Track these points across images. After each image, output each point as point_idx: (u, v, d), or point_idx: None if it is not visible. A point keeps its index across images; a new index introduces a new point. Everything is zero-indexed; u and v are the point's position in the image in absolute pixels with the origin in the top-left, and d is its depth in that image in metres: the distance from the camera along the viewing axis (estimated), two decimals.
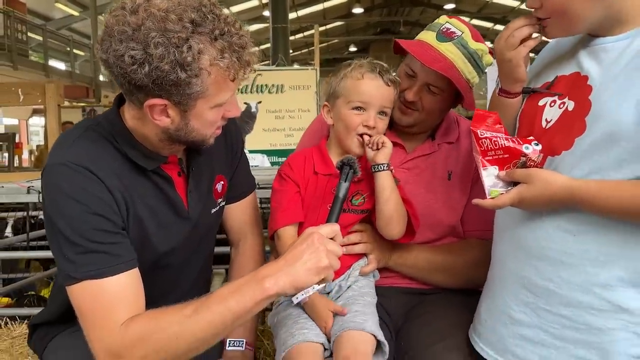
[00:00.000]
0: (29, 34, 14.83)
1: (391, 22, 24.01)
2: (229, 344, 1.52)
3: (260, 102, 6.57)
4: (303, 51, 26.64)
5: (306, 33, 22.13)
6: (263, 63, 11.40)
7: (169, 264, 1.44)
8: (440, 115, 1.72)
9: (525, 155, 1.17)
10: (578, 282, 1.16)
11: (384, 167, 1.45)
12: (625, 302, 1.13)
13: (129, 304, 1.21)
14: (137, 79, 1.14)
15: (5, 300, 3.53)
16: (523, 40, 1.27)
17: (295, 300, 1.31)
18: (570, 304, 1.17)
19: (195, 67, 1.14)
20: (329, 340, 1.40)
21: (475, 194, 1.26)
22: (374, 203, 1.50)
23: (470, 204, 1.51)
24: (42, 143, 13.25)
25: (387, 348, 1.39)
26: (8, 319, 2.33)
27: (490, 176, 1.20)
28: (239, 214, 1.67)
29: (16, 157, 10.58)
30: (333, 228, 1.24)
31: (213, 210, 1.53)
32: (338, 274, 1.48)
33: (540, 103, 1.29)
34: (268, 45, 12.85)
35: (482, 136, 1.20)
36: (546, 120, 1.25)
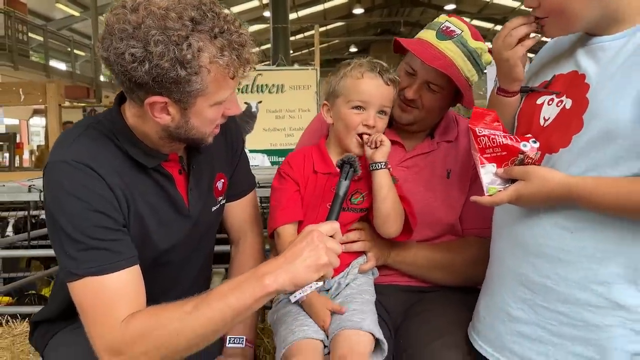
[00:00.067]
0: (30, 35, 14.84)
1: (392, 23, 24.01)
2: (229, 340, 1.52)
3: (260, 101, 6.57)
4: (303, 51, 26.64)
5: (307, 33, 22.14)
6: (263, 63, 11.41)
7: (169, 262, 1.45)
8: (440, 114, 1.73)
9: (523, 152, 1.17)
10: (575, 279, 1.17)
11: (381, 165, 1.46)
12: (622, 299, 1.13)
13: (129, 301, 1.22)
14: (137, 76, 1.15)
15: (6, 299, 3.54)
16: (520, 40, 1.28)
17: (293, 298, 1.31)
18: (567, 300, 1.18)
19: (195, 65, 1.15)
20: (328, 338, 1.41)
21: (474, 192, 1.27)
22: (372, 201, 1.51)
23: (469, 202, 1.52)
24: (42, 143, 13.26)
25: (385, 346, 1.39)
26: (9, 317, 2.33)
27: (488, 173, 1.21)
28: (239, 212, 1.68)
29: (17, 157, 10.59)
30: (333, 226, 1.25)
31: (213, 208, 1.54)
32: (337, 271, 1.49)
33: (539, 102, 1.30)
34: (268, 45, 12.86)
35: (480, 134, 1.20)
36: (544, 118, 1.26)
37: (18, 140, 11.84)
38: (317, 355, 1.36)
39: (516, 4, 18.51)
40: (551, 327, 1.21)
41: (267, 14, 14.09)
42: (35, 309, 2.05)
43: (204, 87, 1.19)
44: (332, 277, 1.40)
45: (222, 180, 1.56)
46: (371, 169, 1.47)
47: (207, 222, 1.53)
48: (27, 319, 2.25)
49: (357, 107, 1.50)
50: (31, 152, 13.30)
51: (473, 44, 1.60)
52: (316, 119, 1.89)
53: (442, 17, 1.67)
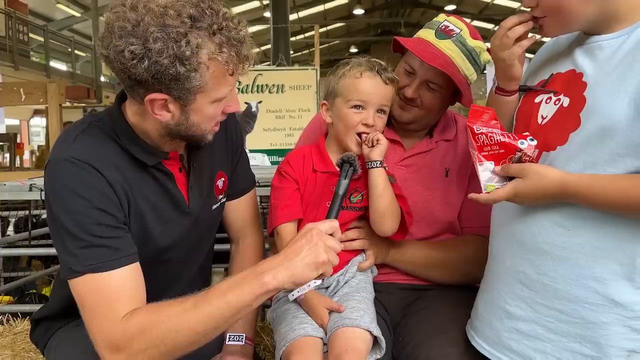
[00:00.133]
0: (31, 35, 14.85)
1: (392, 24, 24.00)
2: (229, 338, 1.53)
3: (260, 102, 6.59)
4: (304, 52, 26.65)
5: (307, 34, 22.14)
6: (264, 64, 11.41)
7: (169, 259, 1.46)
8: (440, 112, 1.73)
9: (520, 150, 1.18)
10: (573, 277, 1.17)
11: (377, 164, 1.47)
12: (619, 297, 1.14)
13: (129, 298, 1.23)
14: (137, 73, 1.16)
15: (7, 298, 3.55)
16: (517, 40, 1.28)
17: (291, 297, 1.32)
18: (565, 298, 1.18)
19: (194, 62, 1.16)
20: None
21: (473, 190, 1.27)
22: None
23: (468, 201, 1.53)
24: (43, 143, 13.27)
25: (383, 343, 1.39)
26: (10, 316, 2.34)
27: (486, 171, 1.21)
28: (239, 211, 1.68)
29: (17, 158, 10.59)
30: (332, 224, 1.25)
31: (214, 207, 1.54)
32: (336, 269, 1.49)
33: (537, 100, 1.31)
34: (269, 46, 12.85)
35: (478, 132, 1.21)
36: (542, 116, 1.27)
37: (18, 140, 11.82)
38: (317, 352, 1.36)
39: (516, 5, 18.50)
40: (548, 324, 1.21)
41: (267, 14, 14.09)
42: (36, 307, 2.06)
43: (203, 83, 1.20)
44: (331, 275, 1.40)
45: (223, 179, 1.57)
46: (367, 167, 1.48)
47: (208, 220, 1.54)
48: (27, 318, 2.25)
49: (356, 107, 1.51)
50: (31, 153, 13.30)
51: (472, 42, 1.61)
52: (315, 119, 1.90)
53: (441, 17, 1.68)
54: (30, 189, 2.59)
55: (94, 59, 17.29)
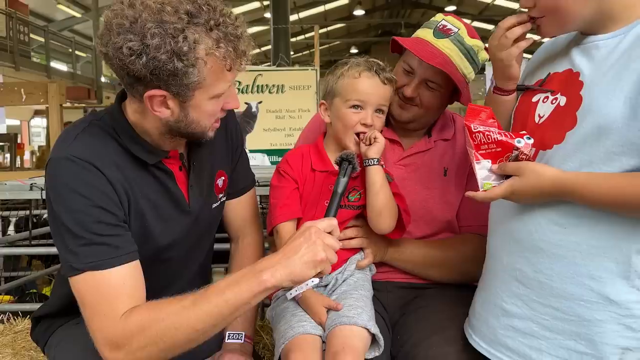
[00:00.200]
0: (31, 36, 14.87)
1: (392, 24, 24.01)
2: (229, 336, 1.53)
3: (260, 102, 6.59)
4: (304, 53, 26.66)
5: (307, 35, 22.16)
6: (264, 64, 11.41)
7: (169, 258, 1.47)
8: (439, 111, 1.74)
9: (517, 148, 1.18)
10: (569, 274, 1.18)
11: (373, 161, 1.48)
12: (614, 295, 1.14)
13: (129, 295, 1.23)
14: (135, 70, 1.17)
15: (7, 298, 3.56)
16: (515, 41, 1.29)
17: (289, 295, 1.33)
18: (560, 295, 1.19)
19: (191, 57, 1.17)
20: None
21: (470, 189, 1.28)
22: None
23: (466, 200, 1.54)
24: (43, 144, 13.28)
25: (381, 341, 1.40)
26: (10, 315, 2.35)
27: (483, 169, 1.22)
28: (238, 210, 1.69)
29: (18, 158, 10.60)
30: (330, 222, 1.26)
31: (214, 206, 1.55)
32: (335, 267, 1.50)
33: (534, 99, 1.31)
34: (269, 47, 12.87)
35: (475, 130, 1.22)
36: (539, 115, 1.28)
37: (19, 140, 11.84)
38: (316, 350, 1.37)
39: (516, 6, 18.50)
40: (544, 322, 1.22)
41: (268, 15, 14.11)
42: (37, 306, 2.07)
43: (201, 79, 1.21)
44: (329, 273, 1.41)
45: (223, 178, 1.57)
46: (365, 165, 1.49)
47: (208, 219, 1.54)
48: (28, 317, 2.26)
49: (355, 106, 1.52)
50: (32, 153, 13.31)
51: (470, 41, 1.62)
52: (315, 118, 1.91)
53: (439, 16, 1.69)
54: (31, 189, 2.60)
55: (94, 59, 17.31)
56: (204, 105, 1.27)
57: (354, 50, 25.74)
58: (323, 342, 1.40)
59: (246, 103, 6.44)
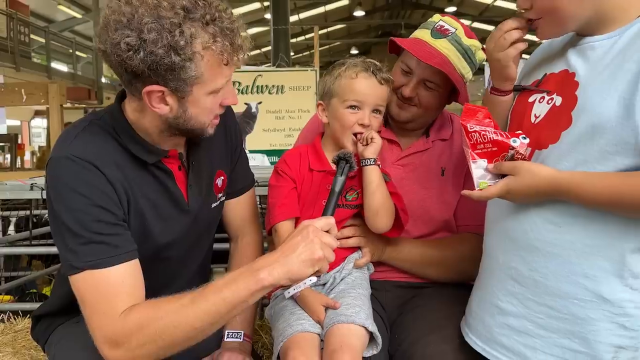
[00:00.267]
0: (32, 36, 14.88)
1: (392, 25, 24.01)
2: (228, 335, 1.54)
3: (260, 102, 6.59)
4: (305, 53, 26.67)
5: (307, 35, 22.17)
6: (264, 65, 11.42)
7: (169, 257, 1.47)
8: (437, 111, 1.75)
9: (513, 148, 1.19)
10: (563, 273, 1.18)
11: (370, 161, 1.49)
12: (608, 293, 1.15)
13: (128, 294, 1.24)
14: (133, 65, 1.18)
15: (7, 298, 3.56)
16: (513, 43, 1.30)
17: (287, 294, 1.33)
18: (555, 294, 1.20)
19: (188, 51, 1.18)
20: None
21: (468, 188, 1.29)
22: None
23: (464, 200, 1.55)
24: (43, 144, 13.29)
25: (379, 339, 1.41)
26: (11, 314, 2.36)
27: (479, 168, 1.23)
28: (238, 210, 1.70)
29: (18, 158, 10.61)
30: (328, 221, 1.27)
31: (213, 205, 1.56)
32: (332, 266, 1.51)
33: (530, 100, 1.33)
34: (269, 48, 12.88)
35: (471, 130, 1.23)
36: (535, 115, 1.29)
37: (19, 141, 11.85)
38: (314, 348, 1.38)
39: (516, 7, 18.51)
40: (539, 320, 1.23)
41: (268, 16, 14.13)
42: (37, 306, 2.08)
43: (199, 74, 1.22)
44: (327, 272, 1.42)
45: (222, 178, 1.58)
46: (361, 164, 1.50)
47: (207, 218, 1.55)
48: (28, 316, 2.27)
49: (352, 107, 1.53)
50: (32, 153, 13.32)
51: (467, 41, 1.64)
52: (314, 119, 1.91)
53: (436, 17, 1.70)
54: (31, 189, 2.61)
55: (95, 60, 17.33)
56: (203, 100, 1.28)
57: (354, 51, 25.75)
58: (321, 340, 1.41)
59: (246, 104, 6.44)
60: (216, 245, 1.75)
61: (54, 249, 2.63)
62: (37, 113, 16.20)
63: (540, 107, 1.28)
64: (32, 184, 2.62)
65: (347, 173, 1.40)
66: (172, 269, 1.52)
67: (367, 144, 1.50)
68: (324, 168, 1.56)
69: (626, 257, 1.14)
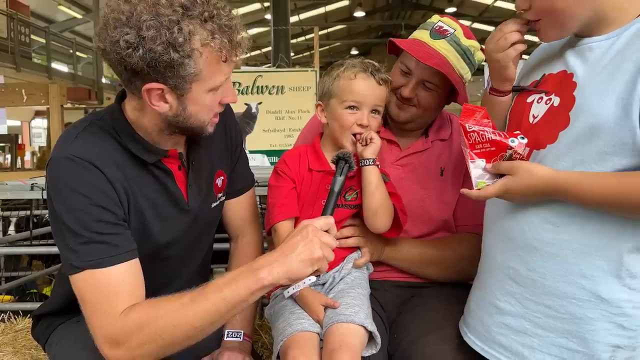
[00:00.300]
0: (32, 37, 14.89)
1: (393, 26, 24.03)
2: (227, 334, 1.55)
3: (260, 103, 6.60)
4: (305, 54, 26.69)
5: (308, 36, 22.18)
6: (264, 65, 11.43)
7: (168, 256, 1.48)
8: (436, 111, 1.76)
9: (511, 148, 1.20)
10: (561, 273, 1.19)
11: (369, 162, 1.50)
12: (605, 293, 1.16)
13: (128, 293, 1.25)
14: (132, 63, 1.18)
15: (8, 298, 3.57)
16: (513, 43, 1.31)
17: (286, 293, 1.34)
18: (553, 293, 1.20)
19: (187, 48, 1.19)
20: None
21: (467, 188, 1.30)
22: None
23: (463, 199, 1.55)
24: (44, 144, 13.31)
25: (379, 339, 1.41)
26: (11, 314, 2.37)
27: (477, 168, 1.24)
28: (238, 210, 1.71)
29: (18, 159, 10.62)
30: (327, 221, 1.27)
31: (213, 205, 1.56)
32: (332, 266, 1.51)
33: (529, 100, 1.33)
34: (269, 48, 12.89)
35: (470, 130, 1.23)
36: (533, 116, 1.29)
37: (20, 141, 11.86)
38: (314, 347, 1.38)
39: None
40: (536, 320, 1.23)
41: (268, 16, 14.13)
42: (37, 306, 2.09)
43: (197, 71, 1.22)
44: (326, 272, 1.42)
45: (222, 177, 1.59)
46: (360, 165, 1.51)
47: (207, 218, 1.56)
48: (28, 316, 2.28)
49: (351, 107, 1.54)
50: (33, 154, 13.34)
51: (466, 42, 1.64)
52: (313, 119, 1.92)
53: (435, 17, 1.71)
54: (32, 189, 2.62)
55: (95, 60, 17.34)
56: (202, 98, 1.29)
57: (354, 52, 25.76)
58: (321, 339, 1.41)
59: (246, 104, 6.45)
60: (216, 245, 1.75)
61: (54, 249, 2.64)
62: (38, 113, 16.20)
63: (538, 108, 1.29)
64: (32, 184, 2.63)
65: (346, 173, 1.41)
66: (172, 269, 1.52)
67: (366, 144, 1.51)
68: (323, 168, 1.56)
69: (624, 257, 1.14)
